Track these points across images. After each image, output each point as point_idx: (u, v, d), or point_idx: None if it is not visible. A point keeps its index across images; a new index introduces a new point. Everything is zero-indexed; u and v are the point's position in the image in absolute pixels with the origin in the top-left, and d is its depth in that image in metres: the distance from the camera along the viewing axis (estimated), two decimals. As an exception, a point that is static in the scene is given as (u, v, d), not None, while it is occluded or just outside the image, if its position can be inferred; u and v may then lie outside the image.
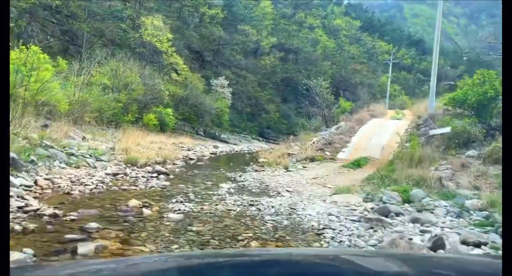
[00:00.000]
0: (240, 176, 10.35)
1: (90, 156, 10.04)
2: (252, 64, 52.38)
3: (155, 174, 9.35)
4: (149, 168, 9.99)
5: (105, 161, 9.96)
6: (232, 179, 9.97)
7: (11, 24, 19.47)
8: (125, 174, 8.90)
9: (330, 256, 1.11)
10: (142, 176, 8.98)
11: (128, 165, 10.35)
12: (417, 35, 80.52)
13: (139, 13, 35.66)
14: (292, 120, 54.16)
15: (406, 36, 77.25)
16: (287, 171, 11.22)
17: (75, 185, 7.21)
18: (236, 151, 24.51)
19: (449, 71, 68.99)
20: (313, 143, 15.67)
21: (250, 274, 0.89)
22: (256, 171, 11.63)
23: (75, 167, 8.63)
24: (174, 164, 12.36)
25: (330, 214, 6.02)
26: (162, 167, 10.80)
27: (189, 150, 19.79)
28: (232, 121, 44.80)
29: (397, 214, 6.09)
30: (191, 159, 14.87)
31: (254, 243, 4.50)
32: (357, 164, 12.06)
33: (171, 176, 9.60)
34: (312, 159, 12.81)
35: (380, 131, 16.51)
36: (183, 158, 14.68)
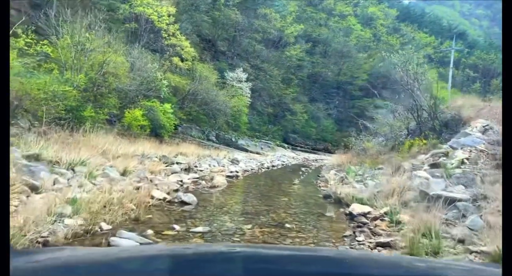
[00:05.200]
0: None
1: None
2: (274, 56, 43.71)
3: None
4: None
5: None
6: None
7: None
8: None
9: (327, 255, 1.08)
10: None
11: None
12: (458, 27, 70.82)
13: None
14: (322, 123, 45.30)
15: (447, 28, 67.68)
16: None
17: None
18: (267, 167, 15.74)
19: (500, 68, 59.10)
20: (462, 163, 6.84)
21: (245, 268, 0.86)
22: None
23: None
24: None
25: None
26: None
27: (188, 170, 11.14)
28: (251, 123, 36.11)
29: None
30: (182, 203, 6.10)
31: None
32: None
33: None
34: None
35: None
36: (161, 202, 5.95)
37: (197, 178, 9.62)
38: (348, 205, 6.86)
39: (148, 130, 17.37)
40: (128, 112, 16.54)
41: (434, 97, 12.51)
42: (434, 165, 7.38)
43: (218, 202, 6.56)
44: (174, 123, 20.80)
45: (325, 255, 1.12)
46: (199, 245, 2.26)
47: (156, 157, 12.60)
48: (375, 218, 5.54)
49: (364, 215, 5.76)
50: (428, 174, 7.06)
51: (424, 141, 12.18)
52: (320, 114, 45.57)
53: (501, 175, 5.83)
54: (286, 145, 39.64)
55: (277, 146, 37.26)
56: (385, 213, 5.59)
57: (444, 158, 7.82)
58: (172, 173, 9.17)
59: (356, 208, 5.89)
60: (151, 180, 7.86)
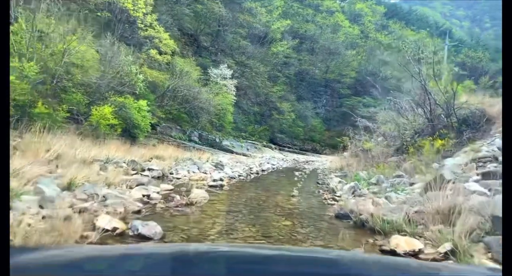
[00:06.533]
0: None
1: None
2: (260, 53, 41.77)
3: None
4: None
5: None
6: None
7: None
8: None
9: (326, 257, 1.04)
10: None
11: None
12: (445, 25, 70.22)
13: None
14: (310, 122, 43.57)
15: (434, 26, 66.95)
16: None
17: None
18: (256, 172, 13.67)
19: (489, 65, 58.67)
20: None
21: (245, 269, 0.83)
22: None
23: None
24: None
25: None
26: None
27: (162, 178, 9.17)
28: (237, 123, 34.10)
29: None
30: (140, 237, 4.08)
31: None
32: None
33: None
34: None
35: None
36: (107, 237, 3.94)
37: (170, 190, 7.55)
38: (376, 232, 4.93)
39: (119, 130, 15.19)
40: (96, 109, 14.33)
41: (452, 90, 10.71)
42: (488, 175, 5.49)
43: (194, 233, 4.52)
44: (150, 122, 18.65)
45: (322, 257, 1.02)
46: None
47: (125, 162, 10.50)
48: (435, 262, 3.59)
49: (415, 254, 3.81)
50: (483, 187, 5.16)
51: (440, 141, 10.38)
52: (307, 113, 43.84)
53: None
54: (273, 146, 37.77)
55: (264, 147, 35.35)
56: (450, 253, 3.65)
57: (495, 165, 5.96)
58: (137, 185, 7.06)
59: (401, 244, 3.93)
60: (104, 197, 5.78)
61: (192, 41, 37.04)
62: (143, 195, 6.52)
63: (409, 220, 4.94)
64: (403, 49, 12.21)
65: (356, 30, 50.35)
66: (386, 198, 6.47)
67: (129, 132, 17.06)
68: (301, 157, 32.97)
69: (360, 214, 5.58)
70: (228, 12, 37.92)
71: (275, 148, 37.43)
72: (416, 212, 5.17)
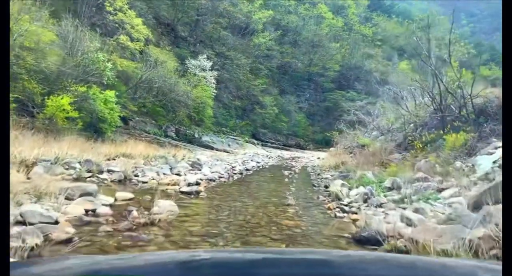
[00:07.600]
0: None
1: None
2: (241, 44, 39.93)
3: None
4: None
5: None
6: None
7: None
8: None
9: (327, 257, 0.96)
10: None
11: None
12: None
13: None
14: (293, 117, 42.06)
15: (416, 20, 66.32)
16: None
17: None
18: (240, 172, 11.82)
19: (472, 59, 58.40)
20: None
21: (241, 273, 0.78)
22: None
23: None
24: None
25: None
26: None
27: (124, 182, 7.41)
28: (217, 117, 32.25)
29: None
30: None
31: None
32: None
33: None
34: None
35: None
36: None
37: (129, 200, 5.74)
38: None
39: (80, 124, 13.19)
40: (51, 100, 12.29)
41: (473, 74, 9.20)
42: None
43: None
44: (120, 116, 16.69)
45: (316, 258, 0.94)
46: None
47: (79, 162, 8.59)
48: None
49: None
50: None
51: (463, 135, 8.82)
52: (291, 108, 42.33)
53: None
54: (255, 141, 36.09)
55: (246, 142, 33.59)
56: None
57: None
58: (80, 195, 5.21)
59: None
60: (22, 217, 3.93)
61: (169, 30, 34.88)
62: (86, 211, 4.69)
63: (475, 252, 3.30)
64: (410, 28, 10.70)
65: (340, 22, 48.95)
66: (417, 210, 4.81)
67: (94, 127, 15.07)
68: (286, 153, 31.42)
69: (391, 238, 3.92)
70: (207, 0, 35.91)
71: (258, 144, 35.77)
72: (480, 238, 3.53)
